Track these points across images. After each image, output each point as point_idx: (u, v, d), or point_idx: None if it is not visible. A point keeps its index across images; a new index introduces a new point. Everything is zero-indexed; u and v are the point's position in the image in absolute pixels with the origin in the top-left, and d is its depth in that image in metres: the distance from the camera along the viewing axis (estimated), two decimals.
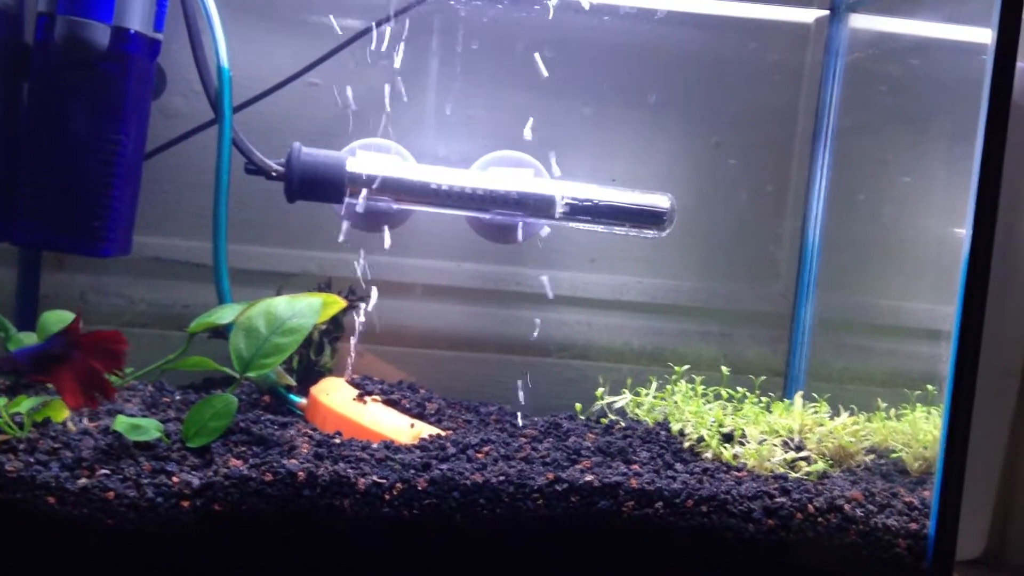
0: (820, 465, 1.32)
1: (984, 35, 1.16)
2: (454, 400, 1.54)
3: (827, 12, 1.65)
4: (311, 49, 1.54)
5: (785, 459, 1.33)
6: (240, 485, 1.11)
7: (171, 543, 1.09)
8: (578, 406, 1.50)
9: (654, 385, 1.53)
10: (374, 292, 1.51)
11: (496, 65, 1.61)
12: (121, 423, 1.14)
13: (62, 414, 1.19)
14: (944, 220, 1.37)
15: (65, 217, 1.33)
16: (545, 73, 1.51)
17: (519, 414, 1.50)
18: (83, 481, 1.08)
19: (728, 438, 1.37)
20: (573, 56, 1.57)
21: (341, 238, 1.49)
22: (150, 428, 1.14)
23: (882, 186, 1.58)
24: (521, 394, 1.54)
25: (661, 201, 1.53)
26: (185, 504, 1.09)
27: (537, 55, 1.52)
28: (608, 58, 1.63)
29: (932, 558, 1.20)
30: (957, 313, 1.17)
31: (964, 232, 1.16)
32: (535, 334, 1.65)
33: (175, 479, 1.11)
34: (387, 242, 1.48)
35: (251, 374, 1.24)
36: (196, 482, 1.11)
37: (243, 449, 1.19)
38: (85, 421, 1.21)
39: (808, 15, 1.66)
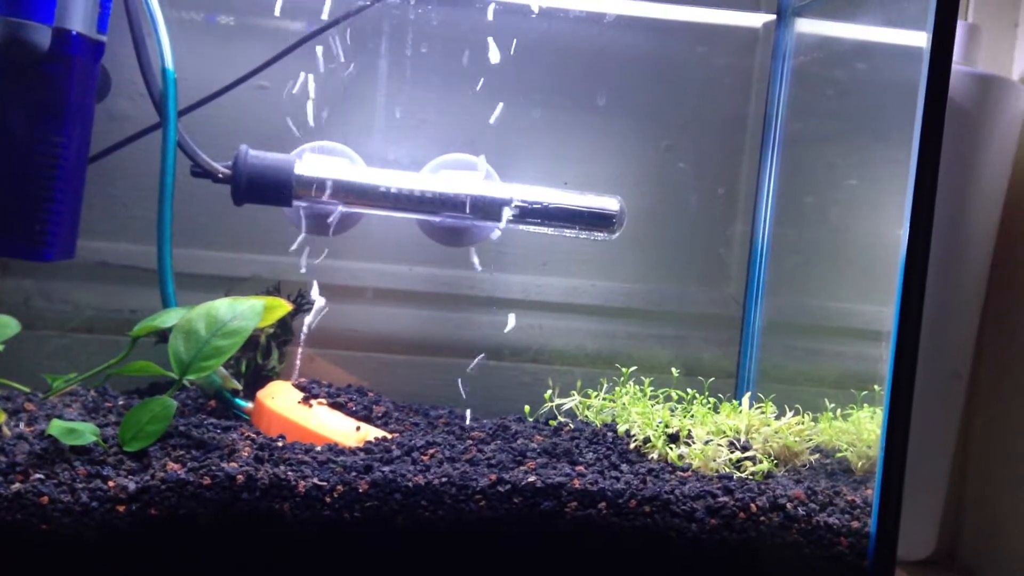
0: (765, 465, 1.33)
1: (921, 38, 1.17)
2: (403, 404, 1.53)
3: (774, 16, 1.66)
4: (260, 52, 1.53)
5: (730, 459, 1.34)
6: (177, 489, 1.10)
7: (107, 548, 1.07)
8: (527, 408, 1.50)
9: (604, 387, 1.53)
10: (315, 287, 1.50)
11: (447, 68, 1.61)
12: (56, 427, 1.13)
13: None
14: (890, 222, 1.38)
15: (5, 220, 1.31)
16: (496, 58, 1.51)
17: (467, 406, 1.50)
18: (16, 486, 1.07)
19: (674, 439, 1.37)
20: (524, 59, 1.57)
21: (294, 245, 1.48)
22: (85, 432, 1.13)
23: (829, 189, 1.59)
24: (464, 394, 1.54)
25: (611, 204, 1.54)
26: (121, 509, 1.08)
27: (491, 39, 1.51)
28: (559, 61, 1.64)
29: (873, 556, 1.20)
30: (896, 313, 1.18)
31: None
32: (505, 331, 1.63)
33: (111, 483, 1.09)
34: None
35: (191, 376, 1.22)
36: (132, 486, 1.09)
37: (182, 453, 1.18)
38: (21, 426, 1.20)
39: (756, 19, 1.68)
